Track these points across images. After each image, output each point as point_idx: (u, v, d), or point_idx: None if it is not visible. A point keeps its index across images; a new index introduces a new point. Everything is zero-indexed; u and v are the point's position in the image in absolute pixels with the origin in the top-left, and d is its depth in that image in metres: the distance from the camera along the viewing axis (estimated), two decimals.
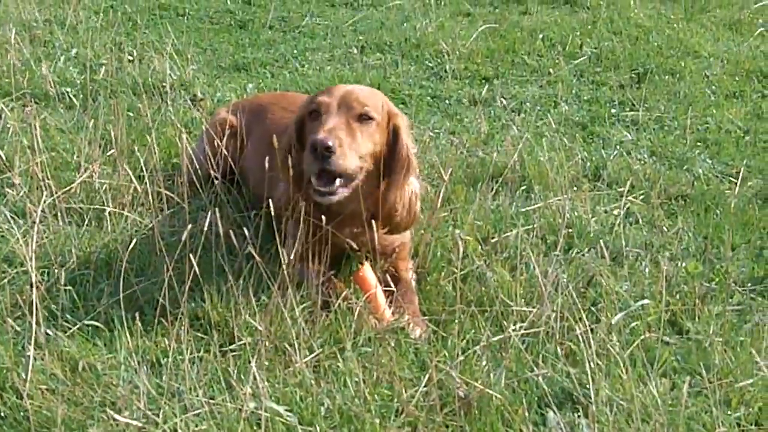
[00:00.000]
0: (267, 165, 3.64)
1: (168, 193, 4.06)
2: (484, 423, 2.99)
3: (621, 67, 6.92)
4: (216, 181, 4.18)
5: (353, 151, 3.50)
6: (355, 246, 3.71)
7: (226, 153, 4.21)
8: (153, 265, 3.73)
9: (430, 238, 4.02)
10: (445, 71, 6.66)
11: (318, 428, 2.95)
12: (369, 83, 6.19)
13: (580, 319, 3.28)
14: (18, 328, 3.32)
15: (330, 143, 3.41)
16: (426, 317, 3.60)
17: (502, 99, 6.03)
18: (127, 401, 2.96)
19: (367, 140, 3.57)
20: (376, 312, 3.53)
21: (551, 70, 6.80)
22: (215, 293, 3.50)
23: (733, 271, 4.01)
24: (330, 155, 3.42)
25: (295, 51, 7.16)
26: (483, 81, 6.60)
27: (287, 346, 3.23)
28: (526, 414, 3.02)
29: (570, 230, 4.24)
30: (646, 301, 3.63)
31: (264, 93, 5.72)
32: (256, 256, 3.40)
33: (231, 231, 3.50)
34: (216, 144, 4.26)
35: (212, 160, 4.24)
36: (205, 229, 3.47)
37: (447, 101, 6.19)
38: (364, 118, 3.58)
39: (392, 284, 3.60)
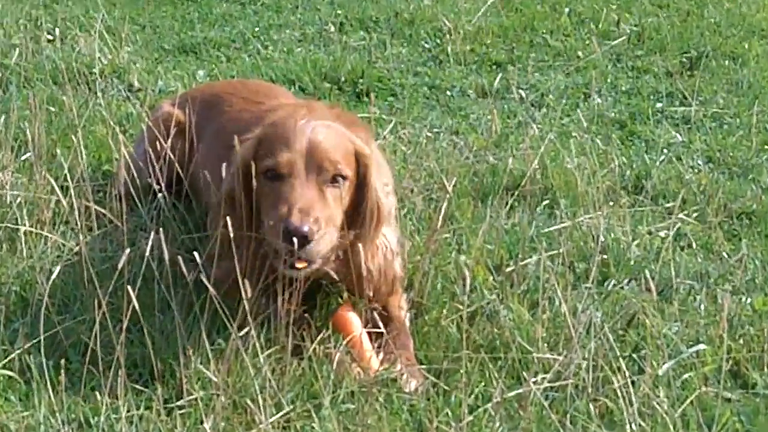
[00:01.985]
0: (224, 172, 3.65)
1: (99, 208, 4.05)
2: None
3: (668, 49, 6.97)
4: (159, 194, 4.18)
5: (330, 229, 3.51)
6: (335, 276, 3.71)
7: (171, 157, 4.22)
8: (80, 300, 3.74)
9: (429, 267, 4.02)
10: (447, 55, 6.70)
11: None
12: (350, 69, 6.22)
13: (619, 369, 3.31)
14: None
15: (306, 229, 3.39)
16: (423, 366, 3.61)
17: (519, 90, 6.06)
18: None
19: (339, 206, 3.58)
20: (360, 359, 3.53)
21: (580, 54, 6.85)
22: (158, 335, 3.51)
23: None
24: (306, 243, 3.42)
25: (257, 29, 7.19)
26: (494, 67, 6.64)
27: (249, 402, 3.23)
28: None
29: (605, 256, 4.25)
30: (701, 346, 3.65)
31: (219, 81, 5.74)
32: (210, 288, 3.41)
33: (178, 256, 3.51)
34: (159, 146, 4.26)
35: (154, 166, 4.24)
36: (147, 253, 3.48)
37: (448, 93, 6.22)
38: (336, 179, 3.57)
39: (381, 324, 3.60)
